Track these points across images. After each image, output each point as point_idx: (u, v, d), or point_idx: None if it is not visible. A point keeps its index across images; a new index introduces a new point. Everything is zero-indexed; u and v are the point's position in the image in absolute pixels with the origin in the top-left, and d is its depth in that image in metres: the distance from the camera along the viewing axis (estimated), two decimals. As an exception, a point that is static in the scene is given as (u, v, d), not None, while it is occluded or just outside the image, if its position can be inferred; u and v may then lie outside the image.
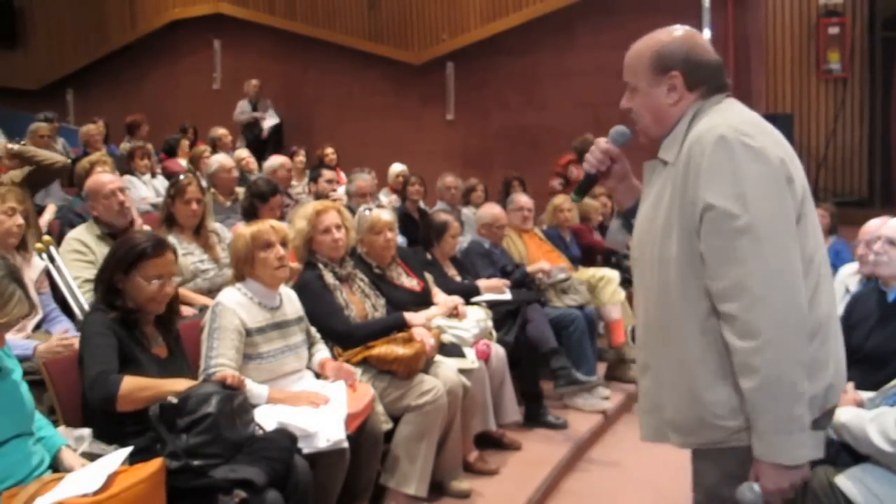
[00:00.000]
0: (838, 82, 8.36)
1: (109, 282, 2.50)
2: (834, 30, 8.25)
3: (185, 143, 8.43)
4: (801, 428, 1.62)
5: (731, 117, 1.72)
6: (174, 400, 2.26)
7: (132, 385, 2.31)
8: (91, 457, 2.11)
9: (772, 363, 1.59)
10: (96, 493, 1.89)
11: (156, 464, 2.06)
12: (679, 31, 1.83)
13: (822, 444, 1.67)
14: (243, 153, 7.21)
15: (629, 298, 5.21)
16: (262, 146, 9.23)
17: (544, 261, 4.98)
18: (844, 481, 2.27)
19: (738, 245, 1.62)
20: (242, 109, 9.77)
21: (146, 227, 3.69)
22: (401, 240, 5.24)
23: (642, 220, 1.86)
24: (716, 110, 1.77)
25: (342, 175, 8.02)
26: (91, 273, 3.38)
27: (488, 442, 3.88)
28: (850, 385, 2.51)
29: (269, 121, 9.73)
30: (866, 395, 2.50)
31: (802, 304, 1.62)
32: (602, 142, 1.97)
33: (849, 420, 2.31)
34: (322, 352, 3.17)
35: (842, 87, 8.35)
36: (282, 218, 4.34)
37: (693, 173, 1.68)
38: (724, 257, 1.63)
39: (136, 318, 2.49)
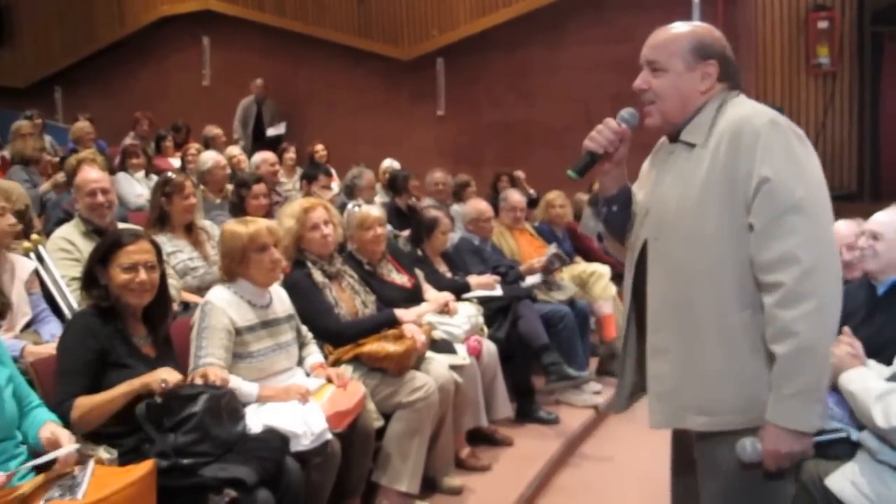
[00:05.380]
0: (828, 77, 8.37)
1: (90, 276, 2.49)
2: (823, 24, 8.25)
3: (170, 142, 8.37)
4: (821, 398, 1.68)
5: (764, 108, 1.82)
6: (159, 399, 2.25)
7: (81, 410, 2.28)
8: (81, 458, 2.09)
9: (812, 330, 1.66)
10: (86, 495, 1.87)
11: (146, 466, 2.04)
12: (708, 26, 1.93)
13: (827, 415, 1.74)
14: (234, 150, 7.18)
15: (620, 293, 5.22)
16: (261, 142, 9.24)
17: (535, 259, 4.97)
18: (835, 482, 2.25)
19: (791, 218, 1.69)
20: (245, 107, 9.77)
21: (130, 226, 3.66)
22: (402, 233, 5.25)
23: (664, 200, 1.86)
24: (742, 102, 1.86)
25: (334, 173, 8.01)
26: (78, 271, 3.36)
27: (480, 438, 3.89)
28: (847, 329, 2.49)
29: (273, 130, 9.72)
30: (883, 369, 2.44)
31: (841, 279, 1.71)
32: (612, 122, 1.94)
33: (857, 392, 2.26)
34: (314, 355, 3.14)
35: (831, 81, 8.37)
36: (270, 214, 4.33)
37: (746, 151, 1.73)
38: (776, 229, 1.69)
39: (118, 313, 2.46)
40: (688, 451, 1.94)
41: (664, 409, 1.86)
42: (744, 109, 1.81)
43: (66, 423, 2.26)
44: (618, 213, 2.00)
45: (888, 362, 2.42)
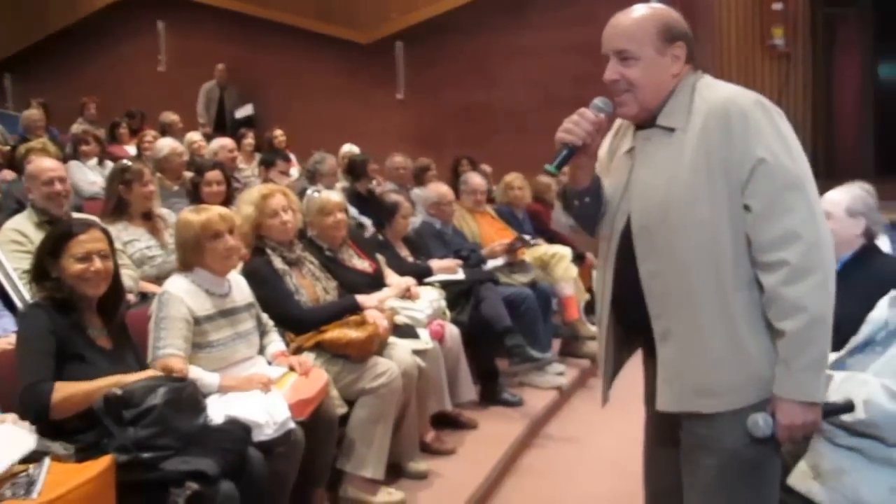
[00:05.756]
0: (782, 58, 8.50)
1: (41, 268, 2.44)
2: (778, 6, 8.37)
3: (125, 129, 8.21)
4: (825, 368, 1.74)
5: (742, 89, 1.82)
6: (119, 392, 2.21)
7: (63, 393, 2.24)
8: (36, 455, 2.04)
9: (820, 303, 1.69)
10: (41, 494, 1.83)
11: (104, 462, 2.00)
12: (667, 8, 1.90)
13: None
14: (195, 136, 7.07)
15: (581, 274, 5.26)
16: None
17: (497, 242, 4.98)
18: (796, 481, 2.24)
19: (789, 196, 1.71)
20: (207, 91, 9.65)
21: (84, 215, 3.60)
22: (367, 220, 5.22)
23: (650, 188, 1.83)
24: (714, 83, 1.85)
25: (293, 158, 7.93)
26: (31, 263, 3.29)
27: (445, 422, 3.90)
28: None
29: (242, 111, 9.64)
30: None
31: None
32: (589, 113, 1.88)
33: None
34: (275, 343, 3.11)
35: (785, 62, 8.50)
36: (228, 201, 4.28)
37: (737, 133, 1.73)
38: (775, 208, 1.72)
39: (73, 305, 2.41)
40: (668, 427, 1.94)
41: (672, 392, 1.85)
42: (723, 91, 1.81)
43: (41, 406, 2.19)
44: (590, 205, 1.95)
45: (844, 340, 2.46)
